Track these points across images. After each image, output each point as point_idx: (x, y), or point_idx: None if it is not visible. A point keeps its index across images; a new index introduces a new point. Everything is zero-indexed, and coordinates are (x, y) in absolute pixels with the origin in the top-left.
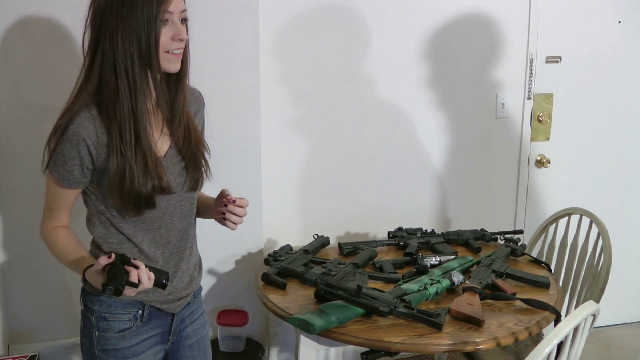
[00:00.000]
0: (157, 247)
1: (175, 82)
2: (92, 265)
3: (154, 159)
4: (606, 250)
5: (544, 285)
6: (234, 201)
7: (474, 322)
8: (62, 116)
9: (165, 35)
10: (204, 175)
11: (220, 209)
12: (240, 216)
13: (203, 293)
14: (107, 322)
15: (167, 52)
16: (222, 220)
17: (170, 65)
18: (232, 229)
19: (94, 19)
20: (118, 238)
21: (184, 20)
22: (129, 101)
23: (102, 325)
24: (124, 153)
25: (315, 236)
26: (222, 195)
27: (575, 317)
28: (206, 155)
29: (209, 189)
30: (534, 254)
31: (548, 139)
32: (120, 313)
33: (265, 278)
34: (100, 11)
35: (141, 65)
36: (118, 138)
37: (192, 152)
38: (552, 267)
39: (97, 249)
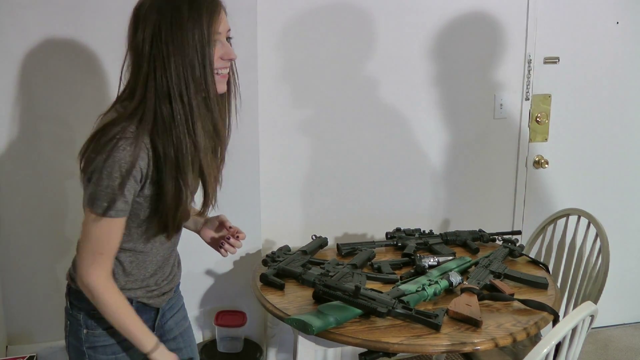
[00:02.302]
0: (148, 255)
1: (222, 102)
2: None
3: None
4: (604, 250)
5: (542, 285)
6: (237, 236)
7: (472, 323)
8: (113, 147)
9: (215, 56)
10: (210, 204)
11: (219, 238)
12: (236, 248)
13: (201, 294)
14: (96, 320)
15: (215, 73)
16: (217, 247)
17: (217, 86)
18: (223, 256)
19: (140, 46)
20: None
21: (229, 39)
22: (185, 128)
23: (91, 322)
24: (182, 179)
25: (314, 237)
26: (223, 224)
27: (573, 317)
28: (217, 187)
29: None
30: (532, 254)
31: (546, 139)
32: None
33: (264, 279)
34: (148, 38)
35: (196, 89)
36: (174, 165)
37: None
38: (550, 268)
39: None
